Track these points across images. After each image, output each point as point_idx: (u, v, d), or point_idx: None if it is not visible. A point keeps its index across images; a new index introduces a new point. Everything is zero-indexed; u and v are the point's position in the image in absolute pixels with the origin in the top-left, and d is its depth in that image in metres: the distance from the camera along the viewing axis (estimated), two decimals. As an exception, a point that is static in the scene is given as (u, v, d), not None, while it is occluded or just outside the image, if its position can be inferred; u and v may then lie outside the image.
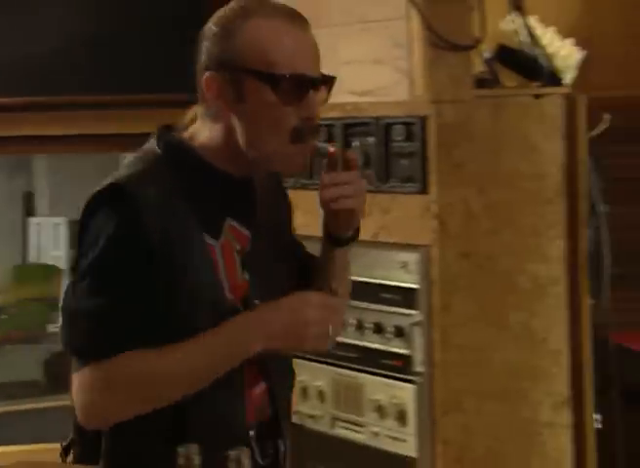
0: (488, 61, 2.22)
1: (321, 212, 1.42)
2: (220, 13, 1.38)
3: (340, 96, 2.27)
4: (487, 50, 2.23)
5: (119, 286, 1.34)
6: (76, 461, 1.45)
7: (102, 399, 1.35)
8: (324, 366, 2.30)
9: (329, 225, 1.46)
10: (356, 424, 2.27)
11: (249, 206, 1.45)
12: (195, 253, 1.37)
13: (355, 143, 2.20)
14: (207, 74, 1.34)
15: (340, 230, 1.45)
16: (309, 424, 2.36)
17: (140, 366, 1.35)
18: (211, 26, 1.37)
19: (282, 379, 1.48)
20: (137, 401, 1.36)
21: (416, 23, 2.12)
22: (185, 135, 1.43)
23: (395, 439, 2.15)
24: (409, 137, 2.08)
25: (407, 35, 2.16)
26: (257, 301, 1.40)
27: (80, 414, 1.36)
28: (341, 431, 2.31)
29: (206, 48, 1.36)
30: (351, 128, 2.22)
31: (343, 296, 1.55)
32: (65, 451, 1.50)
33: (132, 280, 1.34)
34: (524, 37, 2.24)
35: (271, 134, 1.34)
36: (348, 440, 2.29)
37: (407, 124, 2.09)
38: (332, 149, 1.39)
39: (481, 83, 2.18)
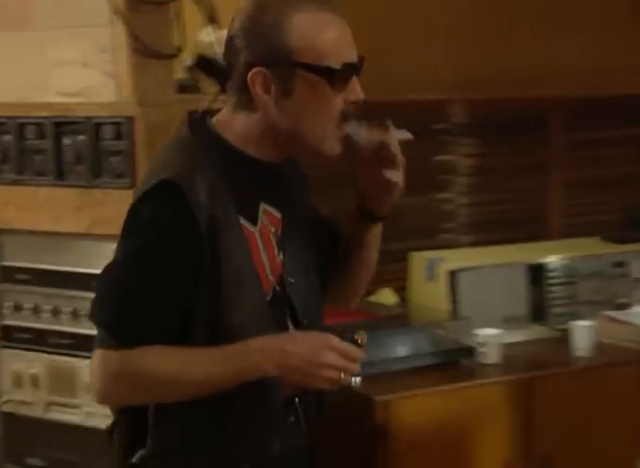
0: (189, 69, 2.42)
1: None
2: (257, 9, 1.40)
3: (49, 96, 2.37)
4: (188, 58, 2.41)
5: (162, 277, 1.35)
6: (121, 442, 1.47)
7: (115, 387, 1.36)
8: (39, 353, 2.40)
9: (368, 202, 1.53)
10: (71, 407, 2.38)
11: (279, 189, 1.49)
12: (238, 241, 1.39)
13: (67, 141, 2.30)
14: (254, 70, 1.36)
15: (381, 206, 1.53)
16: (23, 411, 2.44)
17: (155, 366, 1.35)
18: (250, 23, 1.38)
19: None
20: (145, 397, 1.40)
21: (120, 30, 2.26)
22: (217, 124, 1.45)
23: (109, 416, 2.30)
24: (118, 137, 2.22)
25: (112, 41, 2.29)
26: (290, 279, 1.48)
27: (94, 391, 1.39)
28: (56, 415, 2.41)
29: (247, 44, 1.37)
30: (62, 126, 2.30)
31: (370, 269, 1.67)
32: (111, 433, 1.51)
33: (176, 275, 1.35)
34: (219, 48, 2.48)
35: (322, 120, 1.39)
36: (63, 422, 2.39)
37: (116, 124, 2.23)
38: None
39: (183, 88, 2.38)
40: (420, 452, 2.44)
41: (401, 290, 2.98)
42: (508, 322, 2.91)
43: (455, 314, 2.83)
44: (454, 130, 3.13)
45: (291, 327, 1.50)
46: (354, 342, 1.42)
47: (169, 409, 1.41)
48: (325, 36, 1.37)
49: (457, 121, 3.14)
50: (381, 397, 2.38)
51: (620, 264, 3.14)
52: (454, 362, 2.62)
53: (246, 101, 1.40)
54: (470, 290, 2.87)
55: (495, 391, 2.56)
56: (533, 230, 3.28)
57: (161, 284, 1.36)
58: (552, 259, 3.05)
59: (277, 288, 1.47)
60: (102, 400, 1.44)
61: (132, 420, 1.46)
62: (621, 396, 2.71)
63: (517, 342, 2.83)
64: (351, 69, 1.40)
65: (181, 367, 1.36)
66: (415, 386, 2.48)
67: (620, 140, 3.46)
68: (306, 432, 1.55)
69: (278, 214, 1.48)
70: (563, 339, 2.81)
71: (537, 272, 3.02)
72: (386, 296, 2.94)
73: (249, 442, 1.44)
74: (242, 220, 1.41)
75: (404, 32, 2.97)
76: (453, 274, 2.85)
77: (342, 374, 1.37)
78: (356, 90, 1.41)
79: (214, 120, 1.46)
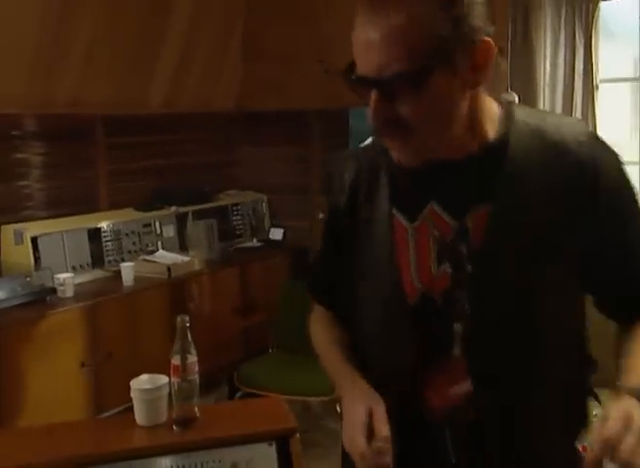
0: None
1: None
2: None
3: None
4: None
5: (323, 243, 1.27)
6: None
7: (309, 324, 1.35)
8: None
9: None
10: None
11: (461, 192, 1.06)
12: (378, 231, 1.11)
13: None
14: None
15: None
16: None
17: (313, 334, 1.31)
18: None
19: (512, 392, 1.05)
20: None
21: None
22: None
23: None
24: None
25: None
26: (466, 306, 1.05)
27: None
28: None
29: None
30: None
31: None
32: None
33: (328, 242, 1.25)
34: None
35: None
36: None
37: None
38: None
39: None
40: (24, 362, 2.79)
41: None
42: (77, 268, 3.41)
43: (38, 266, 3.21)
44: (27, 135, 3.44)
45: (438, 355, 1.08)
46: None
47: None
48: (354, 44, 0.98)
49: (29, 129, 3.46)
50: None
51: (148, 225, 3.79)
52: (42, 299, 3.05)
53: None
54: (48, 249, 3.28)
55: (71, 315, 3.05)
56: (89, 205, 3.72)
57: (321, 246, 1.27)
58: (104, 224, 3.58)
59: (435, 298, 1.08)
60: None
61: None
62: (154, 308, 3.37)
63: (84, 282, 3.35)
64: (354, 80, 0.98)
65: (320, 348, 1.27)
66: (15, 318, 2.85)
67: (148, 144, 4.03)
68: None
69: (451, 221, 1.06)
70: (116, 277, 3.41)
71: (94, 233, 3.51)
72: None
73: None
74: (395, 212, 1.10)
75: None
76: (35, 239, 3.23)
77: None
78: (369, 107, 0.97)
79: None
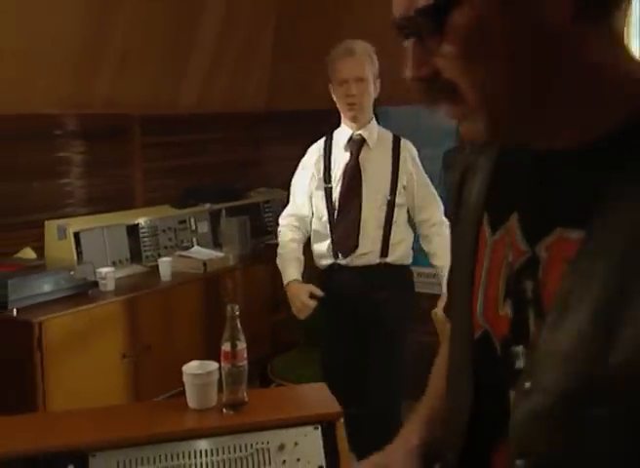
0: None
1: None
2: None
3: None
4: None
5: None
6: None
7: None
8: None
9: None
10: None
11: (553, 203, 0.69)
12: (466, 238, 0.82)
13: None
14: None
15: None
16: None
17: (438, 358, 1.06)
18: None
19: None
20: None
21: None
22: None
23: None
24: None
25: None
26: (527, 383, 0.67)
27: None
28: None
29: None
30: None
31: None
32: None
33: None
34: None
35: None
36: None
37: None
38: None
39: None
40: (68, 352, 2.89)
41: (39, 248, 3.35)
42: (116, 263, 3.49)
43: (80, 261, 3.29)
44: (68, 134, 3.54)
45: (498, 421, 0.72)
46: None
47: None
48: None
49: (70, 128, 3.55)
50: (38, 319, 2.81)
51: (183, 221, 3.87)
52: (84, 292, 3.12)
53: None
54: (90, 244, 3.36)
55: (113, 308, 3.12)
56: (126, 202, 3.80)
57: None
58: (141, 220, 3.66)
59: (497, 349, 0.75)
60: None
61: None
62: (190, 302, 3.46)
63: (123, 276, 3.42)
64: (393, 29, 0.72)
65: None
66: (59, 310, 2.93)
67: (180, 143, 4.12)
68: None
69: (524, 245, 0.71)
70: (153, 272, 3.49)
71: (132, 229, 3.59)
72: (28, 253, 3.30)
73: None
74: (486, 216, 0.79)
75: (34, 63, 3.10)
76: (77, 234, 3.31)
77: None
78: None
79: None
